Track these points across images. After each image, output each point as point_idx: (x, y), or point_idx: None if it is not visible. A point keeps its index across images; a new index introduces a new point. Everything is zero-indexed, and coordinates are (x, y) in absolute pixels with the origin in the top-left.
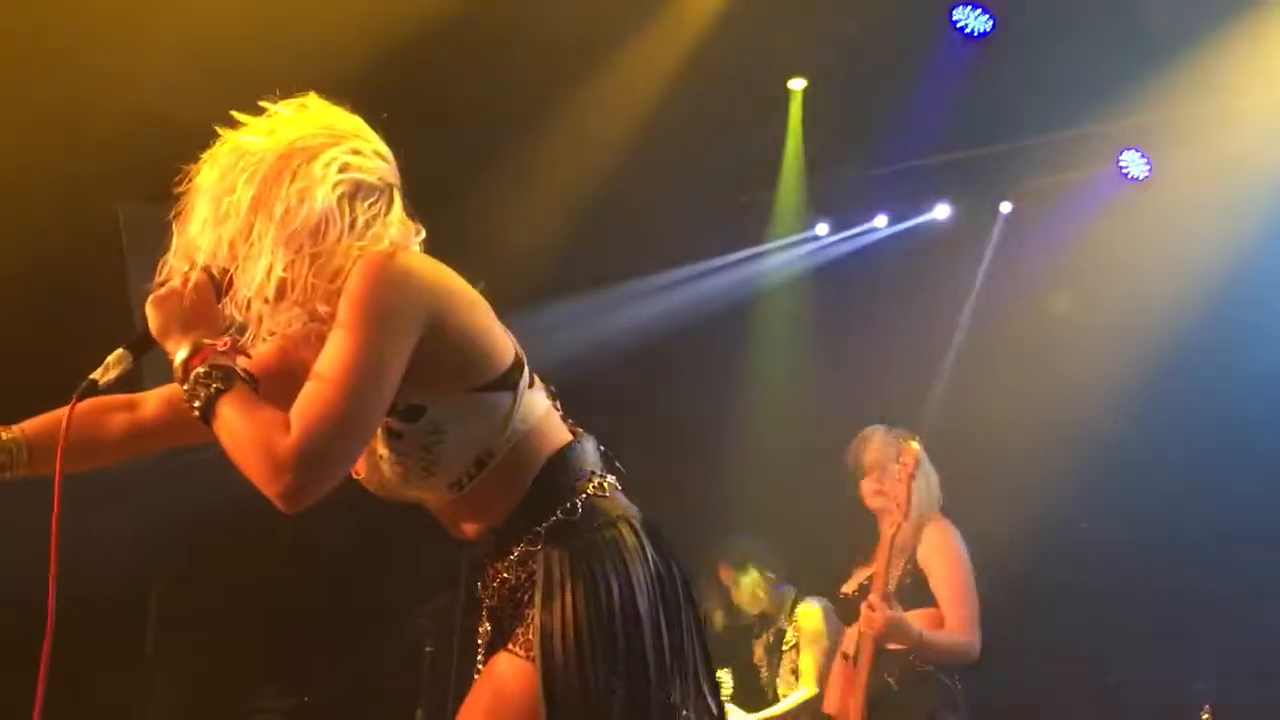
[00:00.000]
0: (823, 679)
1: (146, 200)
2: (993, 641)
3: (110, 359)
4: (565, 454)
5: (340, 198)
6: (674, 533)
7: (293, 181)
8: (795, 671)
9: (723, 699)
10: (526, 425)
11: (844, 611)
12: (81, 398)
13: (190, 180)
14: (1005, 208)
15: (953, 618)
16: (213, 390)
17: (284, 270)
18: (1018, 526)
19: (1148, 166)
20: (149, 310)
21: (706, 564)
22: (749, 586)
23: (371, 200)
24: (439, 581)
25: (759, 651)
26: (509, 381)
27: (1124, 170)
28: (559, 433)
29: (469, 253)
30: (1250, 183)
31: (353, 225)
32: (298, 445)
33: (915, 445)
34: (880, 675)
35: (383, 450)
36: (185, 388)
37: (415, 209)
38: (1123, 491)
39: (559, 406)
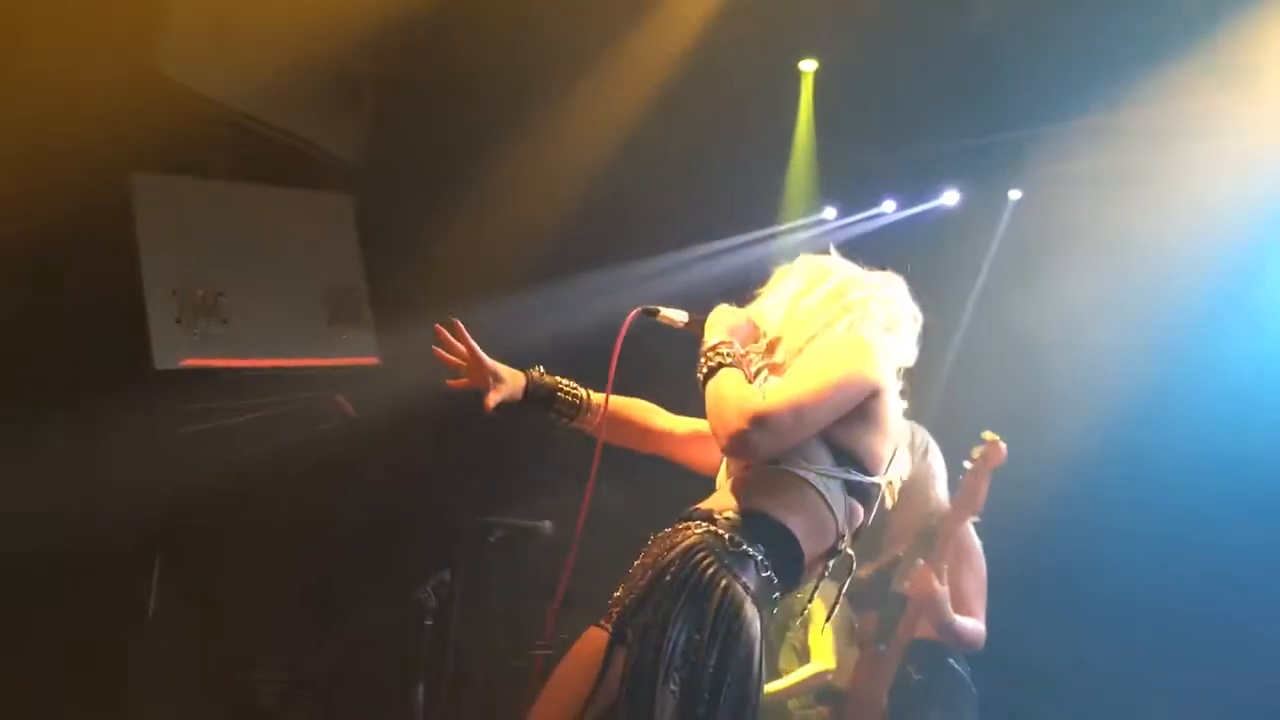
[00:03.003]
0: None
1: (160, 169)
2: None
3: (676, 311)
4: (799, 549)
5: (849, 324)
6: (673, 515)
7: (847, 312)
8: (795, 647)
9: None
10: (819, 496)
11: (855, 597)
12: (642, 314)
13: (778, 272)
14: (1014, 195)
15: (975, 608)
16: (722, 360)
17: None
18: (1020, 518)
19: (1158, 156)
20: (717, 310)
21: None
22: None
23: (863, 331)
24: (439, 558)
25: (771, 629)
26: (851, 467)
27: (1133, 160)
28: (820, 540)
29: (482, 228)
30: (1264, 175)
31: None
32: (765, 409)
33: (1001, 442)
34: (904, 664)
35: None
36: (703, 358)
37: (429, 184)
38: (1134, 483)
39: (843, 552)
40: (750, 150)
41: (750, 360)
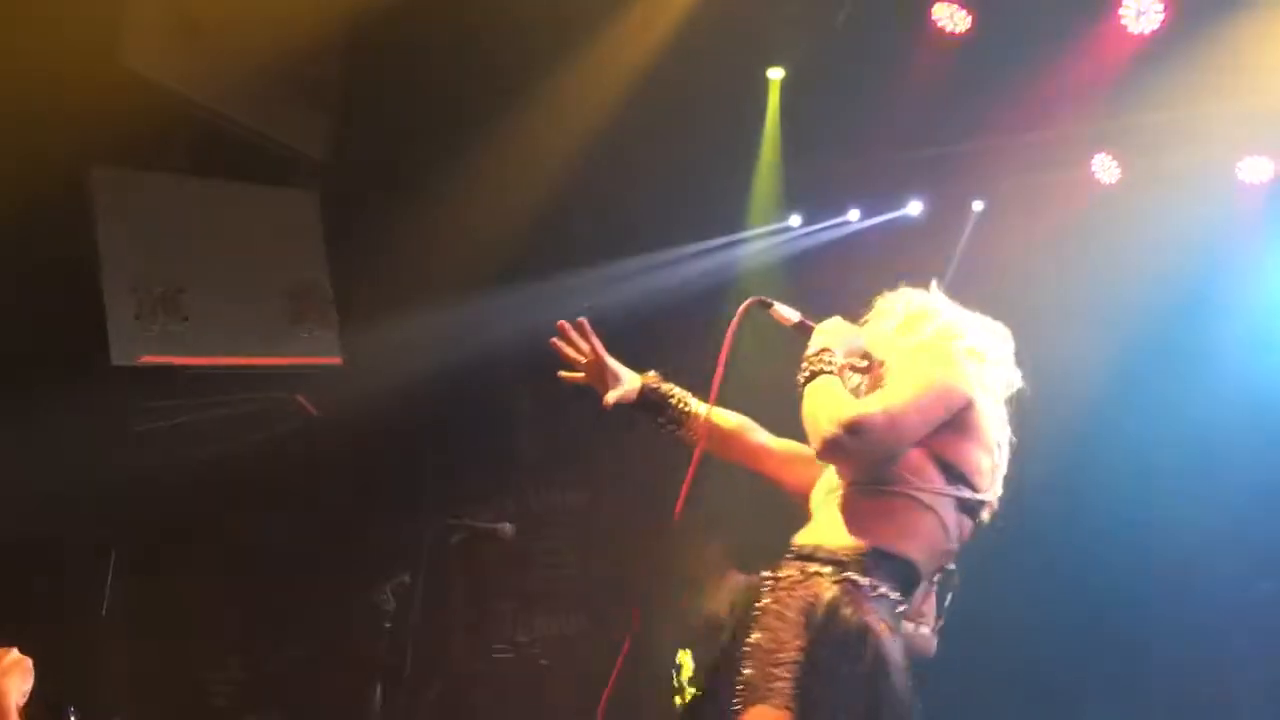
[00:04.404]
0: None
1: (122, 164)
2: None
3: (789, 309)
4: (919, 576)
5: (960, 366)
6: (646, 520)
7: (947, 342)
8: None
9: (683, 680)
10: (936, 519)
11: None
12: (754, 305)
13: (882, 302)
14: (977, 206)
15: (927, 616)
16: (824, 368)
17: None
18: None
19: (1118, 170)
20: (832, 321)
21: (688, 559)
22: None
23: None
24: (399, 560)
25: (724, 642)
26: (961, 484)
27: (1095, 173)
28: (935, 561)
29: (449, 228)
30: (1218, 188)
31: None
32: (859, 415)
33: None
34: None
35: None
36: (805, 363)
37: (395, 182)
38: (1097, 494)
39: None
40: (717, 157)
41: (848, 374)
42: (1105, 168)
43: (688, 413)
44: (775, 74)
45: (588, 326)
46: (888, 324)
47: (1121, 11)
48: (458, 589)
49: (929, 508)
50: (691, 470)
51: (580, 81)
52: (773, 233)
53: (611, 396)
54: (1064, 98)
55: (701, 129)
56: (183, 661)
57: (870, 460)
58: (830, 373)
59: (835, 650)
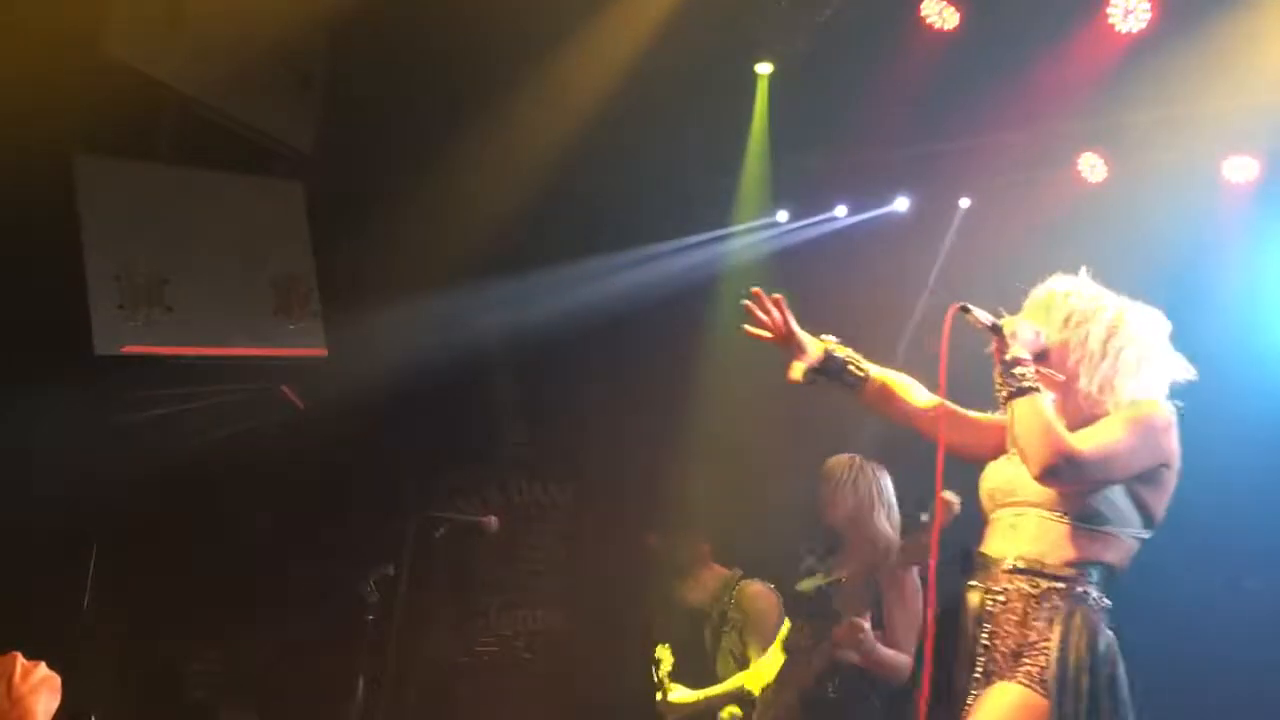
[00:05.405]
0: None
1: (105, 152)
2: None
3: (984, 313)
4: (1116, 575)
5: (1137, 358)
6: (632, 509)
7: (1114, 337)
8: (733, 654)
9: (663, 675)
10: (1121, 542)
11: (794, 606)
12: (959, 311)
13: (1049, 289)
14: (964, 203)
15: (903, 643)
16: (1028, 385)
17: (1097, 373)
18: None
19: (1105, 169)
20: (1020, 319)
21: (668, 550)
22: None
23: (1150, 366)
24: (382, 552)
25: (707, 634)
26: (1149, 529)
27: (1082, 172)
28: (1125, 562)
29: (440, 221)
30: (1203, 187)
31: (1135, 373)
32: (1076, 449)
33: (955, 503)
34: (824, 682)
35: None
36: (1004, 374)
37: (380, 173)
38: None
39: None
40: (704, 151)
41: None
42: (1092, 166)
43: (862, 377)
44: (763, 69)
45: (783, 303)
46: (1054, 318)
47: (1109, 11)
48: (442, 582)
49: (1124, 543)
50: (939, 465)
51: (567, 75)
52: (760, 228)
53: (798, 369)
54: (1051, 96)
55: (689, 124)
56: (163, 653)
57: (1080, 487)
58: (1036, 389)
59: (1079, 650)
